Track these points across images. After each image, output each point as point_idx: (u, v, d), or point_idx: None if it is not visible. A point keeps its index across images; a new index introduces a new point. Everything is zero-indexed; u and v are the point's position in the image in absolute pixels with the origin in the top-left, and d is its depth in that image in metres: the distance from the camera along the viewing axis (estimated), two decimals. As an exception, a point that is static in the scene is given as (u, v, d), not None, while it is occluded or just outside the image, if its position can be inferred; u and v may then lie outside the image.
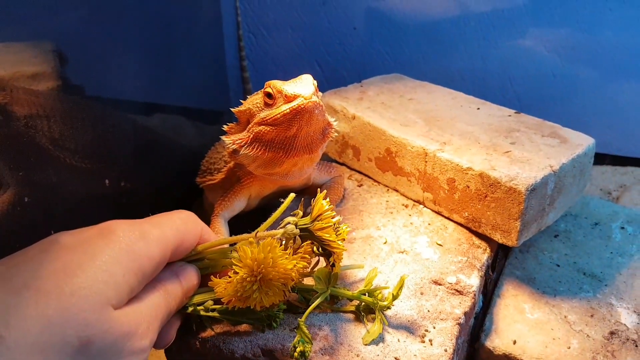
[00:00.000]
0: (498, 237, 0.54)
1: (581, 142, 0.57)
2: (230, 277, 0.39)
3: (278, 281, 0.39)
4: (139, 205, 0.71)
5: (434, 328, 0.46)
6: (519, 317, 0.53)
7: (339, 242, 0.42)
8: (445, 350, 0.43)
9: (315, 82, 0.49)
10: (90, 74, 0.71)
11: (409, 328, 0.45)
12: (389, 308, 0.44)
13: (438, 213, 0.59)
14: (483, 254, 0.54)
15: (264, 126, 0.48)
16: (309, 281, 0.45)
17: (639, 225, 0.64)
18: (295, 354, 0.39)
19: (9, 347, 0.27)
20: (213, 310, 0.42)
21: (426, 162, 0.57)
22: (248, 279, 0.38)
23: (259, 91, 0.50)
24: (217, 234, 0.55)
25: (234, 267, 0.39)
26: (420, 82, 0.74)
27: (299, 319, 0.41)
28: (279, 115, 0.47)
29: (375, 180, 0.66)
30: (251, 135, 0.49)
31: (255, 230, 0.42)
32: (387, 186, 0.65)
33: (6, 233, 0.52)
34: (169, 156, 0.83)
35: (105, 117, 0.74)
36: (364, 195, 0.64)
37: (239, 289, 0.38)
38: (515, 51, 0.88)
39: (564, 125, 0.61)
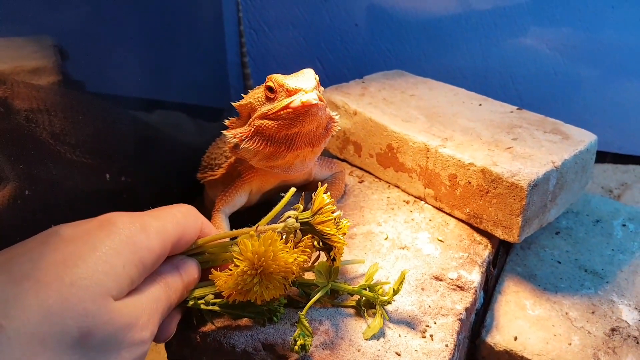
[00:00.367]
0: (499, 233, 0.54)
1: (583, 139, 0.57)
2: (230, 270, 0.39)
3: (279, 275, 0.39)
4: (140, 200, 0.70)
5: (435, 323, 0.46)
6: (520, 314, 0.52)
7: (340, 237, 0.42)
8: (447, 346, 0.43)
9: (317, 76, 0.49)
10: (90, 69, 0.71)
11: (409, 323, 0.45)
12: (389, 303, 0.44)
13: (439, 209, 0.59)
14: (484, 250, 0.54)
15: (265, 120, 0.48)
16: (309, 276, 0.45)
17: (641, 223, 0.64)
18: (296, 347, 0.39)
19: (9, 337, 0.27)
20: (213, 304, 0.42)
21: (428, 157, 0.57)
22: (249, 272, 0.38)
23: (260, 85, 0.50)
24: (217, 229, 0.55)
25: (234, 260, 0.39)
26: (422, 78, 0.74)
27: (299, 312, 0.41)
28: (280, 109, 0.47)
29: (376, 177, 0.66)
30: (252, 129, 0.49)
31: (256, 224, 0.42)
32: (388, 182, 0.65)
33: (7, 226, 0.52)
34: (169, 152, 0.83)
35: (105, 113, 0.74)
36: (365, 191, 0.64)
37: (239, 282, 0.38)
38: (517, 49, 0.88)
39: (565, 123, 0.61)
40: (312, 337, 0.41)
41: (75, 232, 0.33)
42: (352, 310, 0.46)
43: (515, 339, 0.50)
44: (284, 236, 0.42)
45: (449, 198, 0.57)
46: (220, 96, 0.98)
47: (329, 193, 0.42)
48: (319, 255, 0.45)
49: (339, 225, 0.43)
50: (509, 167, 0.51)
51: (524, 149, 0.55)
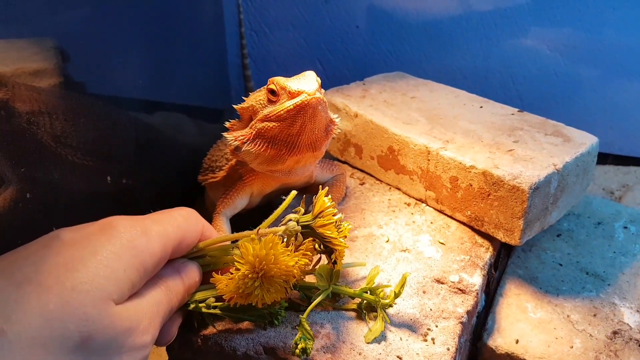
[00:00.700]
0: (501, 236, 0.54)
1: (585, 141, 0.57)
2: (231, 273, 0.39)
3: (280, 278, 0.39)
4: (140, 202, 0.70)
5: (437, 327, 0.46)
6: (522, 316, 0.52)
7: (341, 240, 0.42)
8: (448, 349, 0.43)
9: (318, 78, 0.49)
10: (91, 71, 0.71)
11: (411, 327, 0.45)
12: (390, 306, 0.44)
13: (440, 212, 0.59)
14: (486, 253, 0.54)
15: (267, 122, 0.48)
16: (310, 279, 0.45)
17: (642, 225, 0.64)
18: (297, 350, 0.39)
19: (11, 341, 0.27)
20: (215, 307, 0.42)
21: (429, 160, 0.57)
22: (250, 275, 0.38)
23: (262, 88, 0.50)
24: (218, 232, 0.55)
25: (235, 263, 0.39)
26: (422, 80, 0.73)
27: (300, 316, 0.41)
28: (282, 112, 0.47)
29: (377, 179, 0.66)
30: (254, 132, 0.49)
31: (257, 228, 0.42)
32: (389, 185, 0.65)
33: (8, 229, 0.52)
34: (170, 154, 0.83)
35: (106, 115, 0.74)
36: (366, 193, 0.64)
37: (240, 285, 0.38)
38: (518, 50, 0.87)
39: (566, 125, 0.61)
40: (314, 341, 0.41)
41: (76, 236, 0.33)
42: (353, 314, 0.46)
43: (517, 342, 0.50)
44: (285, 239, 0.42)
45: (450, 201, 0.57)
46: (221, 98, 0.98)
47: (329, 196, 0.42)
48: (320, 258, 0.45)
49: (339, 228, 0.43)
50: (510, 170, 0.51)
51: (525, 151, 0.55)
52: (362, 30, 0.90)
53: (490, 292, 0.56)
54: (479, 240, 0.56)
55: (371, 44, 0.90)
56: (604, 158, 0.90)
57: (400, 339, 0.44)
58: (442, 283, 0.50)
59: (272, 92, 0.48)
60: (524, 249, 0.60)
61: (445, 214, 0.59)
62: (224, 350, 0.43)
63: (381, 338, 0.44)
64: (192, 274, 0.40)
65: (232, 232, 0.51)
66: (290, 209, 0.44)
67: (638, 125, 0.88)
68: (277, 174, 0.52)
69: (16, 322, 0.28)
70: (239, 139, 0.50)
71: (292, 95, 0.47)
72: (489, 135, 0.58)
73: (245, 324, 0.45)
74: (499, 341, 0.50)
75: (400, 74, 0.76)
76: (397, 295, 0.44)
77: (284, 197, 0.43)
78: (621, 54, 0.84)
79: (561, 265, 0.58)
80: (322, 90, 0.51)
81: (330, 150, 0.71)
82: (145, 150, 0.77)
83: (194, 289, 0.41)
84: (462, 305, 0.48)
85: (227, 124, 0.53)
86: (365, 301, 0.45)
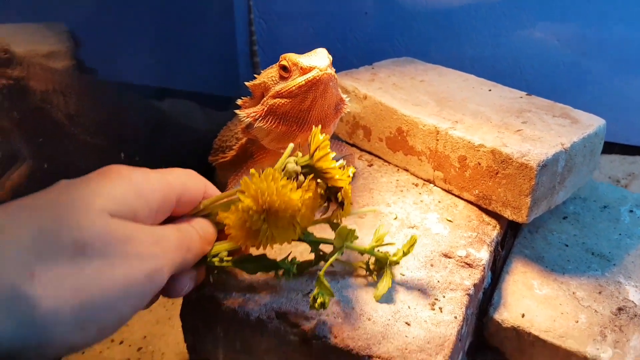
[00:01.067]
0: (508, 214, 0.54)
1: (592, 123, 0.58)
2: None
3: (285, 213, 0.38)
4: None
5: (444, 297, 0.46)
6: (528, 293, 0.53)
7: (343, 174, 0.41)
8: (455, 318, 0.44)
9: (330, 55, 0.49)
10: (102, 56, 0.72)
11: (419, 296, 0.46)
12: (397, 263, 0.45)
13: (448, 191, 0.60)
14: (493, 231, 0.55)
15: (278, 99, 0.49)
16: (318, 233, 0.45)
17: (648, 209, 0.65)
18: (316, 305, 0.39)
19: (4, 248, 0.27)
20: (227, 261, 0.41)
21: (437, 140, 0.58)
22: (254, 208, 0.37)
23: (273, 65, 0.51)
24: None
25: (238, 196, 0.38)
26: (431, 65, 0.74)
27: (319, 272, 0.41)
28: (294, 87, 0.48)
29: (385, 161, 0.67)
30: (265, 108, 0.50)
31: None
32: (397, 166, 0.65)
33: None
34: (179, 139, 0.84)
35: (118, 98, 0.76)
36: (374, 174, 0.65)
37: (246, 218, 0.37)
38: (526, 40, 0.88)
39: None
40: (333, 296, 0.41)
41: (74, 180, 0.33)
42: (360, 282, 0.47)
43: (523, 316, 0.51)
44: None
45: (458, 180, 0.58)
46: (229, 85, 0.99)
47: (325, 134, 0.41)
48: (328, 205, 0.44)
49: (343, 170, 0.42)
50: (518, 148, 0.52)
51: (533, 131, 0.56)
52: (370, 17, 0.91)
53: (497, 269, 0.57)
54: (486, 218, 0.57)
55: (380, 31, 0.91)
56: (610, 147, 0.91)
57: (409, 307, 0.45)
58: (450, 257, 0.51)
59: (284, 68, 0.49)
60: (531, 230, 0.61)
61: (453, 194, 0.60)
62: (237, 316, 0.44)
63: (390, 304, 0.44)
64: (205, 225, 0.39)
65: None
66: None
67: (644, 116, 0.89)
68: None
69: (8, 234, 0.28)
70: (251, 115, 0.51)
71: (304, 71, 0.48)
72: (498, 117, 0.59)
73: (259, 291, 0.46)
74: (505, 315, 0.51)
75: (409, 59, 0.76)
76: (405, 254, 0.45)
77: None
78: (628, 46, 0.85)
79: (567, 245, 0.59)
80: (333, 69, 0.52)
81: (339, 133, 0.72)
82: (156, 133, 0.78)
83: (210, 240, 0.40)
84: (469, 278, 0.49)
85: (238, 101, 0.54)
86: (372, 260, 0.46)
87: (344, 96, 0.53)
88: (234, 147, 0.61)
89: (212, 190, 0.42)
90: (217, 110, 0.94)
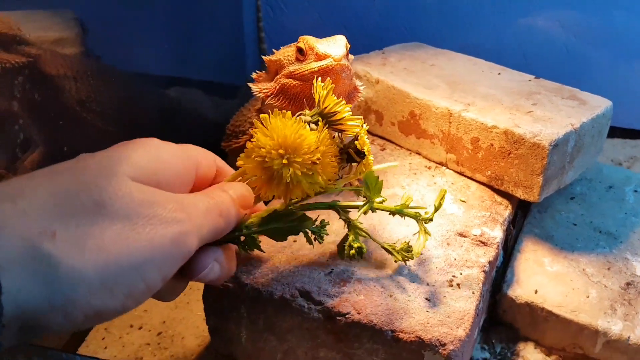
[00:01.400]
0: (520, 194, 0.56)
1: (599, 104, 0.59)
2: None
3: (303, 150, 0.36)
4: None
5: (461, 274, 0.48)
6: (539, 270, 0.55)
7: (354, 118, 0.40)
8: (473, 293, 0.46)
9: (348, 45, 0.50)
10: (110, 44, 0.72)
11: (437, 274, 0.48)
12: (431, 220, 0.44)
13: (460, 173, 0.61)
14: (505, 210, 0.57)
15: (291, 79, 0.50)
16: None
17: (652, 189, 0.67)
18: (352, 252, 0.39)
19: (24, 209, 0.27)
20: (254, 230, 0.40)
21: (450, 122, 0.59)
22: (270, 143, 0.36)
23: (292, 44, 0.51)
24: None
25: (251, 132, 0.37)
26: (440, 49, 0.75)
27: (352, 219, 0.41)
28: (306, 72, 0.48)
29: (397, 145, 0.68)
30: (277, 87, 0.51)
31: None
32: (409, 150, 0.67)
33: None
34: (188, 127, 0.85)
35: (127, 86, 0.76)
36: (387, 158, 0.66)
37: (264, 155, 0.36)
38: (531, 28, 0.89)
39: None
40: (370, 237, 0.41)
41: (93, 153, 0.33)
42: (378, 259, 0.48)
43: (536, 292, 0.52)
44: None
45: (471, 162, 0.59)
46: (237, 74, 1.00)
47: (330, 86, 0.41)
48: (349, 167, 0.44)
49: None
50: (530, 129, 0.53)
51: (543, 112, 0.57)
52: (378, 4, 0.91)
53: (509, 248, 0.59)
54: (499, 199, 0.58)
55: (387, 18, 0.92)
56: (612, 131, 0.92)
57: (427, 284, 0.46)
58: (465, 236, 0.52)
59: (300, 50, 0.50)
60: (540, 210, 0.63)
61: (465, 176, 0.61)
62: (261, 295, 0.46)
63: (409, 279, 0.46)
64: (239, 188, 0.38)
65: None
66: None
67: (645, 101, 0.90)
68: None
69: (28, 195, 0.27)
70: (264, 91, 0.52)
71: (319, 57, 0.48)
72: (508, 99, 0.60)
73: (281, 270, 0.47)
74: (519, 291, 0.53)
75: (418, 44, 0.77)
76: (437, 209, 0.44)
77: None
78: (632, 34, 0.86)
79: (575, 225, 0.61)
80: (351, 57, 0.53)
81: (350, 119, 0.73)
82: (165, 121, 0.79)
83: (246, 204, 0.38)
84: (484, 256, 0.50)
85: (253, 75, 0.55)
86: (396, 246, 0.46)
87: (359, 84, 0.54)
88: (247, 131, 0.62)
89: (221, 162, 0.41)
90: (224, 98, 0.94)
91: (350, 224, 0.41)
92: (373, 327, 0.43)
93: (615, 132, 0.93)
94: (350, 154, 0.42)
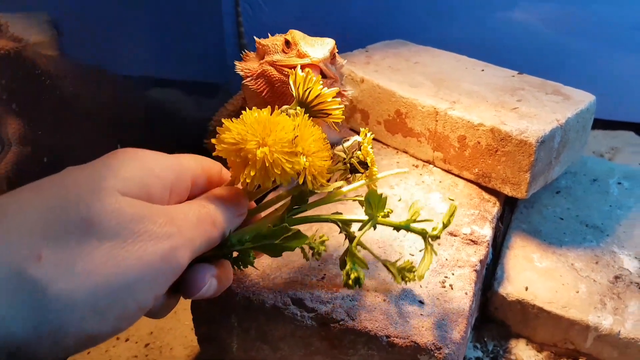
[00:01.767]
0: (508, 191, 0.56)
1: (583, 99, 0.60)
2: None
3: (279, 134, 0.34)
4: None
5: (453, 274, 0.48)
6: (529, 266, 0.55)
7: (335, 100, 0.39)
8: (466, 294, 0.46)
9: (335, 50, 0.50)
10: (86, 45, 0.70)
11: (429, 275, 0.47)
12: (438, 237, 0.41)
13: (448, 171, 0.61)
14: (493, 207, 0.57)
15: (272, 68, 0.50)
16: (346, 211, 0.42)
17: (635, 180, 0.67)
18: (350, 281, 0.37)
19: (9, 228, 0.26)
20: (248, 242, 0.37)
21: (437, 121, 0.59)
22: (241, 127, 0.34)
23: (284, 34, 0.52)
24: None
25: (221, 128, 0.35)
26: (423, 46, 0.75)
27: (350, 245, 0.39)
28: (284, 66, 0.49)
29: (384, 144, 0.67)
30: (259, 70, 0.51)
31: None
32: (396, 148, 0.66)
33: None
34: (168, 127, 0.83)
35: (108, 87, 0.74)
36: (374, 157, 0.65)
37: (234, 136, 0.34)
38: (511, 21, 0.90)
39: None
40: (368, 268, 0.38)
41: (80, 165, 0.31)
42: (373, 263, 0.48)
43: (526, 289, 0.52)
44: None
45: (458, 159, 0.59)
46: (217, 72, 0.98)
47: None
48: (350, 178, 0.42)
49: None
50: (517, 126, 0.53)
51: (529, 109, 0.57)
52: (359, 1, 0.90)
53: (497, 245, 0.59)
54: (486, 196, 0.58)
55: (369, 14, 0.91)
56: (593, 123, 0.94)
57: (420, 286, 0.46)
58: (455, 235, 0.52)
59: (287, 43, 0.50)
60: (526, 205, 0.63)
61: (453, 173, 0.61)
62: (252, 304, 0.45)
63: (402, 282, 0.45)
64: (233, 193, 0.37)
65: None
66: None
67: (625, 92, 0.91)
68: None
69: (12, 216, 0.26)
70: (245, 70, 0.53)
71: (299, 54, 0.49)
72: (493, 96, 0.60)
73: (272, 277, 0.46)
74: (509, 289, 0.53)
75: (401, 41, 0.77)
76: (445, 226, 0.40)
77: None
78: (607, 24, 0.87)
79: (562, 219, 0.61)
80: (341, 61, 0.53)
81: (335, 118, 0.72)
82: (147, 122, 0.78)
83: (240, 210, 0.37)
84: (475, 255, 0.50)
85: (242, 54, 0.55)
86: (397, 264, 0.42)
87: (347, 88, 0.54)
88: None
89: (227, 175, 0.39)
90: (205, 97, 0.93)
91: (348, 251, 0.39)
92: (368, 333, 0.42)
93: (596, 123, 0.94)
94: (353, 165, 0.40)
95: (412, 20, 0.91)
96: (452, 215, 0.40)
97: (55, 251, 0.26)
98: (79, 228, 0.27)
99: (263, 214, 0.41)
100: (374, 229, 0.40)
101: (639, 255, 0.56)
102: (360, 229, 0.40)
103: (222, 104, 0.70)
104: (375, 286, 0.46)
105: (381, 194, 0.40)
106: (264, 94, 0.51)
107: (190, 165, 0.36)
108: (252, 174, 0.34)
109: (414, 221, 0.40)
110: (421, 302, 0.44)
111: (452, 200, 0.57)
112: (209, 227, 0.33)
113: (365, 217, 0.40)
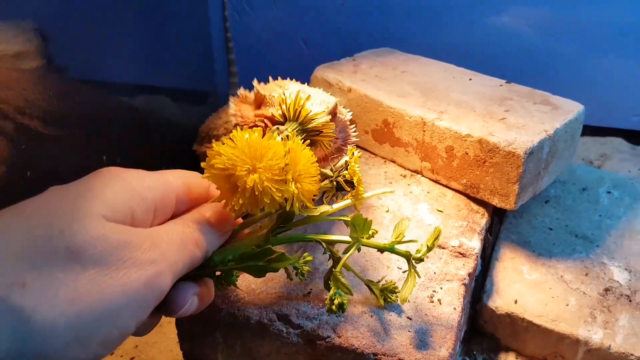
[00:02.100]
0: (496, 202, 0.55)
1: (572, 109, 0.59)
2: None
3: (270, 161, 0.34)
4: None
5: (441, 289, 0.47)
6: (518, 278, 0.54)
7: (328, 124, 0.39)
8: (455, 309, 0.45)
9: (336, 109, 0.48)
10: (73, 54, 0.69)
11: (417, 289, 0.47)
12: (422, 260, 0.41)
13: (436, 182, 0.61)
14: (482, 219, 0.56)
15: (266, 121, 0.47)
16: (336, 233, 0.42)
17: (624, 189, 0.67)
18: (334, 307, 0.37)
19: None
20: (231, 262, 0.37)
21: (424, 131, 0.58)
22: (231, 151, 0.33)
23: (285, 81, 0.50)
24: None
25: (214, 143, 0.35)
26: (411, 55, 0.74)
27: (334, 270, 0.39)
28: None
29: (372, 153, 0.67)
30: (254, 123, 0.48)
31: None
32: (384, 158, 0.65)
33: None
34: (157, 137, 0.82)
35: (94, 97, 0.73)
36: (362, 167, 0.64)
37: (224, 161, 0.33)
38: (498, 27, 0.89)
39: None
40: (352, 294, 0.39)
41: (64, 185, 0.31)
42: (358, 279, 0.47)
43: (516, 302, 0.52)
44: None
45: (446, 170, 0.58)
46: (205, 80, 0.97)
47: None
48: (336, 195, 0.42)
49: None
50: (505, 137, 0.53)
51: (517, 119, 0.56)
52: (347, 7, 0.90)
53: (486, 256, 0.58)
54: (475, 207, 0.57)
55: (356, 21, 0.90)
56: (582, 129, 0.94)
57: (409, 301, 0.45)
58: (444, 248, 0.52)
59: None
60: (515, 215, 0.62)
61: (441, 184, 0.60)
62: (237, 320, 0.44)
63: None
64: (217, 210, 0.36)
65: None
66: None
67: (614, 98, 0.91)
68: None
69: None
70: (239, 119, 0.49)
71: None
72: (481, 105, 0.60)
73: (257, 293, 0.45)
74: (499, 302, 0.52)
75: (389, 49, 0.76)
76: (430, 249, 0.41)
77: None
78: (595, 29, 0.87)
79: (551, 229, 0.61)
80: (345, 116, 0.50)
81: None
82: (134, 131, 0.77)
83: (225, 228, 0.36)
84: (464, 268, 0.49)
85: (239, 91, 0.51)
86: (380, 284, 0.44)
87: (351, 130, 0.51)
88: (222, 137, 0.59)
89: (215, 190, 0.38)
90: (193, 104, 0.92)
91: (332, 276, 0.39)
92: (355, 351, 0.41)
93: (586, 130, 0.94)
94: (340, 183, 0.40)
95: (399, 28, 0.90)
96: (436, 238, 0.41)
97: (40, 278, 0.26)
98: (64, 255, 0.27)
99: (247, 230, 0.40)
100: (359, 251, 0.40)
101: (629, 267, 0.55)
102: (344, 252, 0.40)
103: (210, 111, 0.68)
104: (362, 300, 0.45)
105: (366, 219, 0.40)
106: None
107: (176, 183, 0.35)
108: (241, 202, 0.34)
109: (399, 242, 0.41)
110: (409, 318, 0.44)
111: (441, 211, 0.56)
112: (192, 247, 0.33)
113: (350, 240, 0.40)
